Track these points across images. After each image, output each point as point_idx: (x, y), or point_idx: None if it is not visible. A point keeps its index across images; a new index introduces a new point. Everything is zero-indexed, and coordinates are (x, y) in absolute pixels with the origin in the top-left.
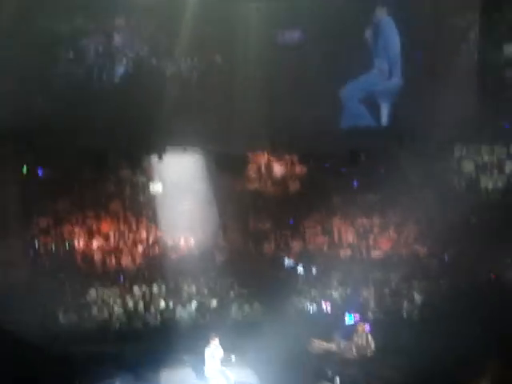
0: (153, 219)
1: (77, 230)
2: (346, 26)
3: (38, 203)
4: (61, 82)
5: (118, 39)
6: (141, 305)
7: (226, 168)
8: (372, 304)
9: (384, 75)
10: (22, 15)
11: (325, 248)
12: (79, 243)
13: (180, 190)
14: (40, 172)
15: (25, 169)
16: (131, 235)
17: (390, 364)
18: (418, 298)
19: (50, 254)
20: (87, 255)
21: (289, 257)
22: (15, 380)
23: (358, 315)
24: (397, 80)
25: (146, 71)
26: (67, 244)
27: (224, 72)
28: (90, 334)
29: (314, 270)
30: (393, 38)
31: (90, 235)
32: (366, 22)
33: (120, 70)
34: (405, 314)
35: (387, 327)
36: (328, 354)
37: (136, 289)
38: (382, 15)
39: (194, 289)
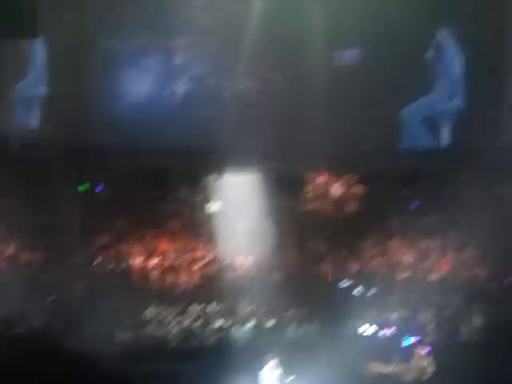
0: (211, 238)
1: (135, 247)
2: (408, 47)
3: (97, 220)
4: (122, 100)
5: (178, 58)
6: (197, 324)
7: (284, 187)
8: (431, 327)
9: (445, 97)
10: (83, 34)
11: (383, 269)
12: (137, 261)
13: (238, 209)
14: (100, 189)
15: (85, 185)
16: (189, 254)
17: None
18: (477, 321)
19: (108, 272)
20: (145, 273)
21: (346, 278)
22: None
23: (416, 338)
24: (458, 101)
25: (206, 90)
26: (125, 262)
27: (284, 91)
28: (147, 352)
29: (371, 292)
30: (455, 60)
31: (148, 253)
32: (428, 42)
33: (180, 88)
34: (464, 338)
35: (446, 351)
36: (386, 376)
37: (193, 308)
38: (445, 36)
39: (250, 308)
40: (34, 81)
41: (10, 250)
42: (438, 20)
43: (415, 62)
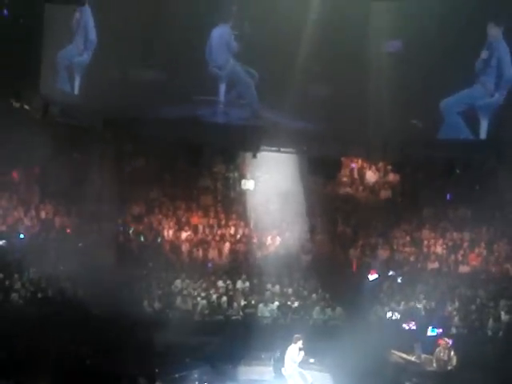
0: (242, 216)
1: (167, 220)
2: (451, 39)
3: (132, 190)
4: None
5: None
6: (224, 299)
7: (318, 170)
8: (456, 319)
9: (487, 91)
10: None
11: (412, 259)
12: (168, 233)
13: (271, 189)
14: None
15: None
16: (220, 230)
17: (470, 381)
18: (504, 317)
19: (139, 241)
20: (175, 246)
21: (375, 264)
22: (94, 363)
23: (441, 329)
24: (499, 97)
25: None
26: (157, 233)
27: (323, 78)
28: (173, 323)
29: (399, 280)
30: (506, 59)
31: (180, 226)
32: (476, 37)
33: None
34: (489, 332)
35: (470, 343)
36: (408, 365)
37: (221, 283)
38: (497, 35)
39: (277, 288)
40: (81, 47)
41: (45, 213)
42: (488, 15)
43: (459, 53)
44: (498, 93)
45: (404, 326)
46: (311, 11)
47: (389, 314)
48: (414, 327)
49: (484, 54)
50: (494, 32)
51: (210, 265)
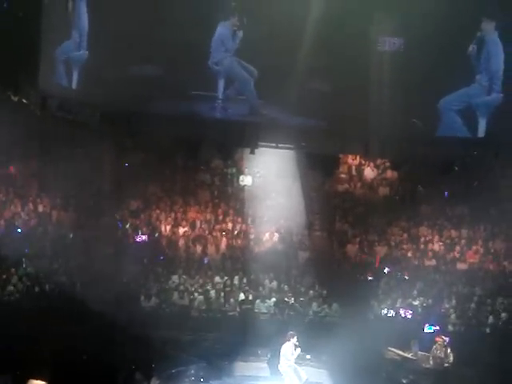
0: (240, 211)
1: (165, 215)
2: (450, 38)
3: (129, 185)
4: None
5: None
6: (221, 295)
7: (316, 167)
8: (453, 317)
9: (485, 90)
10: None
11: (409, 256)
12: (166, 228)
13: (269, 185)
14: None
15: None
16: (217, 225)
17: (467, 378)
18: (501, 314)
19: (136, 236)
20: (173, 241)
21: (372, 261)
22: (92, 358)
23: (438, 326)
24: (496, 95)
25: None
26: (154, 228)
27: (324, 75)
28: (169, 319)
29: (396, 277)
30: (498, 55)
31: (177, 222)
32: (471, 35)
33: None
34: (486, 330)
35: (467, 341)
36: (404, 362)
37: (218, 278)
38: (489, 30)
39: (274, 284)
40: (78, 42)
41: (42, 207)
42: (483, 13)
43: (458, 52)
44: (495, 91)
45: (401, 322)
46: (311, 8)
47: (385, 311)
48: (411, 324)
49: (478, 52)
50: (486, 27)
51: (207, 260)
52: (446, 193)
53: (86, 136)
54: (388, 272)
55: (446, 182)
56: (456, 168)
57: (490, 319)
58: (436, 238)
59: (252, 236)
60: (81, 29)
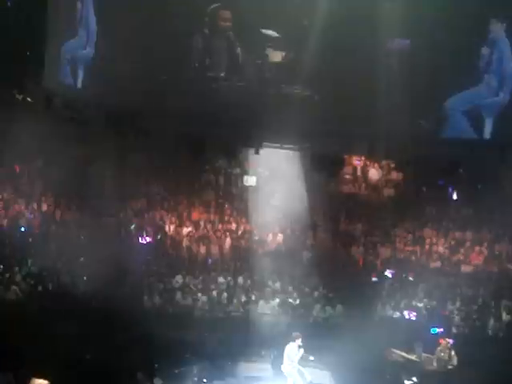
0: (244, 212)
1: (169, 215)
2: (457, 39)
3: (133, 185)
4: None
5: None
6: (224, 295)
7: (320, 168)
8: (457, 319)
9: (492, 91)
10: None
11: (414, 257)
12: (170, 228)
13: (273, 186)
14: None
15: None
16: (221, 226)
17: (471, 381)
18: (505, 317)
19: (140, 236)
20: (176, 241)
21: (376, 262)
22: (95, 358)
23: (442, 329)
24: (504, 96)
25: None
26: (158, 228)
27: (329, 76)
28: (172, 319)
29: (400, 279)
30: (507, 56)
31: (181, 222)
32: (480, 36)
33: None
34: (491, 332)
35: (471, 343)
36: (408, 364)
37: (221, 279)
38: (499, 32)
39: (278, 285)
40: (85, 41)
41: (46, 206)
42: (492, 14)
43: (464, 53)
44: (502, 92)
45: (405, 324)
46: (317, 8)
47: (390, 313)
48: (415, 326)
49: (487, 52)
50: (496, 28)
51: (210, 261)
52: (451, 194)
53: (91, 135)
54: (392, 274)
55: (452, 183)
56: (461, 169)
57: (494, 321)
58: (441, 239)
59: (256, 236)
60: (89, 28)
